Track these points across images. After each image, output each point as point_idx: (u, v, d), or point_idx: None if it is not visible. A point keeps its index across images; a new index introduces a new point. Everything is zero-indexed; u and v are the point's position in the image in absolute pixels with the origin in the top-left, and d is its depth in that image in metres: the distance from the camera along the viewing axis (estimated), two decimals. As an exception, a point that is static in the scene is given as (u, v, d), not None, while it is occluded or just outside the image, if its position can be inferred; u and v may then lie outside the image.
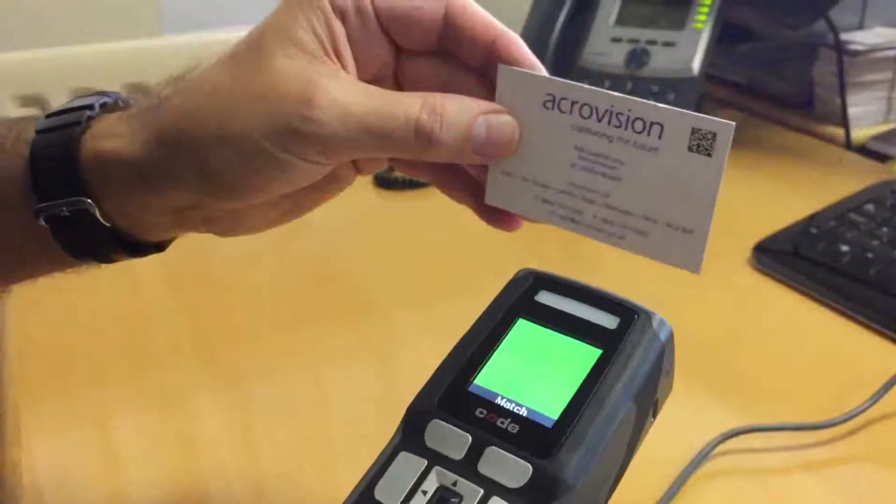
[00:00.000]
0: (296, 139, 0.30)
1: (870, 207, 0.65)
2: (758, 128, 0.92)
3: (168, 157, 0.31)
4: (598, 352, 0.31)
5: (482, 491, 0.28)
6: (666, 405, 0.33)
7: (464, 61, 0.33)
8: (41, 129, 0.33)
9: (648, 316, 0.31)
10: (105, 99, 0.35)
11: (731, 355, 0.54)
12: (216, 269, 0.66)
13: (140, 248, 0.35)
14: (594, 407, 0.29)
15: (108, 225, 0.33)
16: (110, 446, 0.48)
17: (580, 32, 0.82)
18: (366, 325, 0.58)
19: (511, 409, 0.30)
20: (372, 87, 0.31)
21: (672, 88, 0.76)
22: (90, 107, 0.34)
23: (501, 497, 0.28)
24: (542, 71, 0.32)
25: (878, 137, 0.86)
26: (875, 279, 0.57)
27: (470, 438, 0.29)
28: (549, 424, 0.29)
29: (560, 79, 0.31)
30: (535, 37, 0.83)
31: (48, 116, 0.34)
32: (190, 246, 0.39)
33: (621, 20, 0.81)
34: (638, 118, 0.30)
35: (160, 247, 0.36)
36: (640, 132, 0.30)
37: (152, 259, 0.36)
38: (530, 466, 0.28)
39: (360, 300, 0.62)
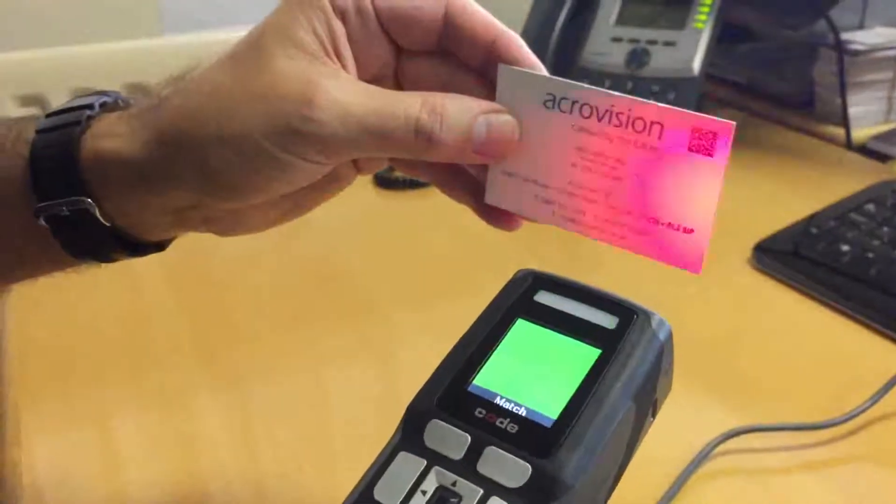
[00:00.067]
0: (296, 139, 0.30)
1: (870, 207, 0.65)
2: (758, 128, 0.92)
3: (168, 157, 0.31)
4: (597, 351, 0.31)
5: (481, 491, 0.28)
6: (666, 405, 0.33)
7: (464, 61, 0.33)
8: (41, 128, 0.33)
9: (647, 316, 0.31)
10: (105, 98, 0.35)
11: (731, 355, 0.54)
12: (216, 269, 0.66)
13: (140, 247, 0.35)
14: (593, 407, 0.29)
15: (108, 224, 0.33)
16: (110, 446, 0.48)
17: (580, 32, 0.82)
18: (365, 325, 0.58)
19: (510, 408, 0.30)
20: (372, 87, 0.31)
21: (672, 88, 0.76)
22: (90, 106, 0.34)
23: (501, 497, 0.28)
24: (543, 71, 0.32)
25: (879, 137, 0.86)
26: (875, 279, 0.57)
27: (469, 438, 0.29)
28: (548, 424, 0.29)
29: (560, 78, 0.31)
30: (536, 36, 0.83)
31: (48, 116, 0.34)
32: (190, 245, 0.39)
33: (622, 20, 0.81)
34: (638, 118, 0.30)
35: (160, 246, 0.36)
36: (640, 132, 0.30)
37: (152, 259, 0.36)
38: (529, 466, 0.28)
39: (359, 300, 0.62)
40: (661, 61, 0.77)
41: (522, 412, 0.30)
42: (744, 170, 0.74)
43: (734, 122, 0.28)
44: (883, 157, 0.83)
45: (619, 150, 0.30)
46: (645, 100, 0.30)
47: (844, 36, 0.86)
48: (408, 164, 0.36)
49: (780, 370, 0.52)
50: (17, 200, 0.33)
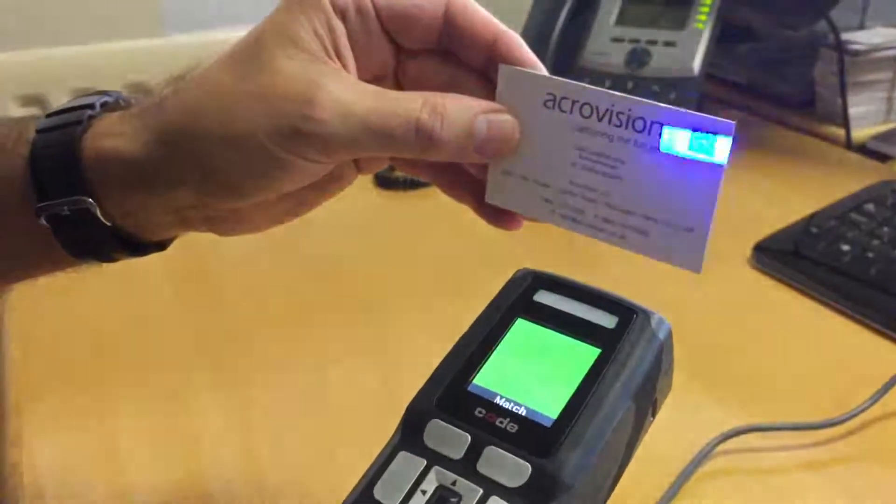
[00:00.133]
0: (297, 139, 0.30)
1: (870, 207, 0.65)
2: (758, 128, 0.92)
3: (169, 157, 0.31)
4: (596, 351, 0.31)
5: (481, 490, 0.28)
6: (666, 405, 0.33)
7: (464, 61, 0.33)
8: (42, 128, 0.33)
9: (647, 315, 0.31)
10: (106, 98, 0.35)
11: (730, 355, 0.54)
12: (216, 269, 0.66)
13: (141, 247, 0.35)
14: (593, 406, 0.29)
15: (108, 224, 0.33)
16: (111, 446, 0.48)
17: (581, 32, 0.82)
18: (365, 325, 0.58)
19: (510, 408, 0.30)
20: (373, 87, 0.31)
21: (673, 88, 0.76)
22: (91, 106, 0.34)
23: (500, 496, 0.28)
24: (543, 70, 0.32)
25: (879, 137, 0.86)
26: (876, 279, 0.57)
27: (469, 438, 0.29)
28: (548, 424, 0.29)
29: (561, 78, 0.31)
30: (536, 36, 0.83)
31: (49, 116, 0.34)
32: (191, 245, 0.39)
33: (622, 20, 0.81)
34: (638, 117, 0.30)
35: (161, 246, 0.36)
36: (640, 131, 0.30)
37: (153, 258, 0.36)
38: (529, 466, 0.28)
39: (359, 299, 0.62)
40: (662, 61, 0.77)
41: (522, 412, 0.30)
42: (744, 170, 0.74)
43: (734, 122, 0.28)
44: (883, 157, 0.83)
45: (620, 149, 0.30)
46: (645, 99, 0.30)
47: (845, 36, 0.86)
48: (408, 164, 0.36)
49: (780, 370, 0.52)
50: (17, 200, 0.33)
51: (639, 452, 0.32)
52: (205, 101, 0.31)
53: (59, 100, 0.35)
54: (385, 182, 0.77)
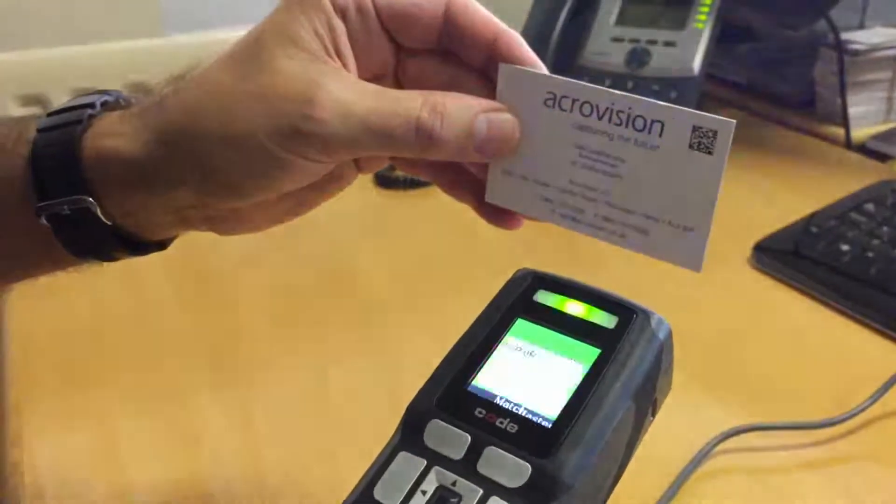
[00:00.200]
0: (298, 138, 0.30)
1: (870, 207, 0.65)
2: (758, 128, 0.92)
3: (169, 156, 0.31)
4: (596, 351, 0.31)
5: (481, 491, 0.28)
6: (666, 404, 0.33)
7: (464, 60, 0.33)
8: (42, 127, 0.33)
9: (647, 315, 0.31)
10: (106, 97, 0.35)
11: (730, 354, 0.54)
12: (217, 268, 0.66)
13: (141, 246, 0.35)
14: (593, 406, 0.29)
15: (109, 223, 0.33)
16: (111, 446, 0.48)
17: (581, 32, 0.82)
18: (365, 324, 0.58)
19: (510, 408, 0.30)
20: (373, 86, 0.31)
21: (673, 88, 0.76)
22: (91, 105, 0.34)
23: (500, 497, 0.28)
24: (544, 69, 0.32)
25: (879, 137, 0.86)
26: (875, 278, 0.57)
27: (469, 438, 0.29)
28: (547, 424, 0.29)
29: (561, 77, 0.31)
30: (536, 36, 0.83)
31: (49, 115, 0.34)
32: (191, 245, 0.39)
33: (622, 20, 0.81)
34: (638, 116, 0.30)
35: (161, 245, 0.36)
36: (640, 130, 0.30)
37: (154, 257, 0.36)
38: (529, 466, 0.28)
39: (359, 299, 0.62)
40: (662, 61, 0.77)
41: (522, 412, 0.30)
42: (744, 170, 0.74)
43: (734, 120, 0.28)
44: (883, 157, 0.83)
45: (620, 148, 0.30)
46: (645, 98, 0.30)
47: (844, 36, 0.86)
48: (409, 163, 0.36)
49: (780, 369, 0.52)
50: (18, 200, 0.33)
51: (639, 452, 0.32)
52: (205, 101, 0.31)
53: (59, 100, 0.35)
54: (385, 182, 0.77)
